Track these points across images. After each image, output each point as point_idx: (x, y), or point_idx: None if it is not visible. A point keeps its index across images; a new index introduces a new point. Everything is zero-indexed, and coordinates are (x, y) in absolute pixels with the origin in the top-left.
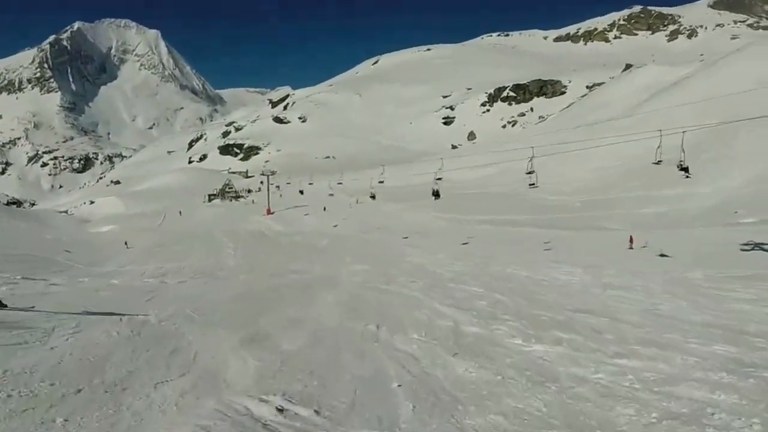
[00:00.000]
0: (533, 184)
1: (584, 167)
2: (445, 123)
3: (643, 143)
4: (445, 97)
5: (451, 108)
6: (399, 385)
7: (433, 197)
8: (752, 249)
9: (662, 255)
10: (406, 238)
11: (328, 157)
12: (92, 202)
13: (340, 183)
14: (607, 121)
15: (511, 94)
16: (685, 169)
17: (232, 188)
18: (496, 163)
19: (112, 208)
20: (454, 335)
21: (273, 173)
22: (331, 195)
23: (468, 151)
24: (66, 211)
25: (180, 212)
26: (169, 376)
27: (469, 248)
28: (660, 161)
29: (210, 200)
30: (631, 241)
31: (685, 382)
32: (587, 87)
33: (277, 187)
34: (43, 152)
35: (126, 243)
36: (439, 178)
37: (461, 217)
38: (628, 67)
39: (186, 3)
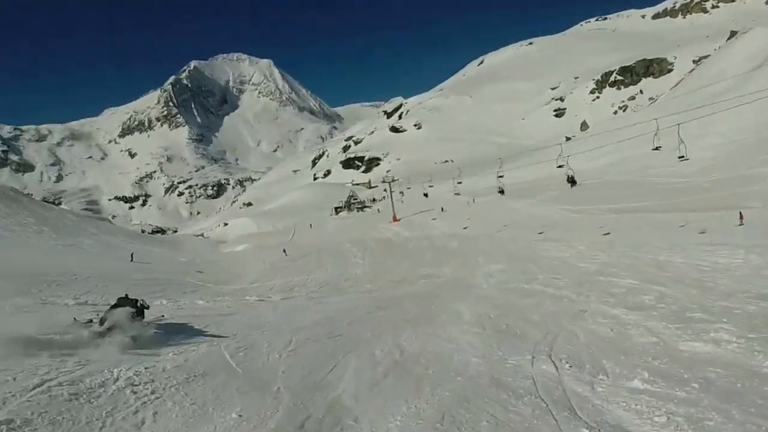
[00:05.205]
0: (682, 156)
1: (701, 144)
2: (556, 115)
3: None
4: (553, 89)
5: (561, 99)
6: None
7: (569, 184)
8: None
9: None
10: (541, 233)
11: (446, 161)
12: (226, 224)
13: (460, 182)
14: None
15: (618, 77)
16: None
17: (356, 199)
18: (614, 153)
19: (245, 228)
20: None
21: (394, 180)
22: (457, 194)
23: (583, 142)
24: (202, 234)
25: (310, 225)
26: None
27: (609, 238)
28: None
29: (337, 213)
30: (741, 217)
31: None
32: (694, 61)
33: (401, 193)
34: (178, 182)
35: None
36: (561, 166)
37: (590, 207)
38: (733, 34)
39: (291, 29)
